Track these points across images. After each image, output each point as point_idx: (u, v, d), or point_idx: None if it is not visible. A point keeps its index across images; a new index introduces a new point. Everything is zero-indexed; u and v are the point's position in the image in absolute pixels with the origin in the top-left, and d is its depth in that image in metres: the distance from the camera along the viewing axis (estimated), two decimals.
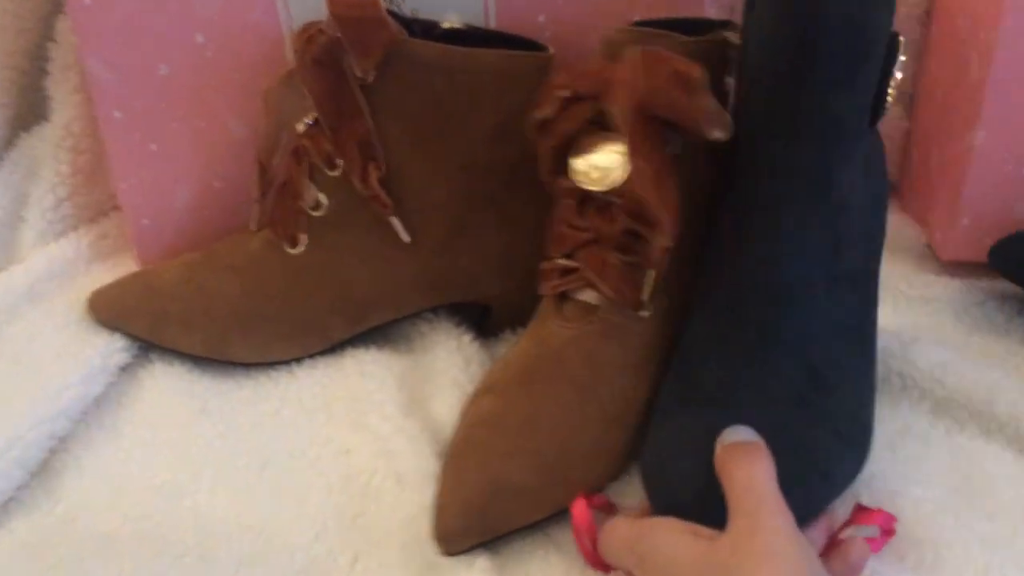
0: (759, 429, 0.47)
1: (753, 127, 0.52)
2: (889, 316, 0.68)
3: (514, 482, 0.50)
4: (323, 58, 0.59)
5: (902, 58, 0.53)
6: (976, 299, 0.68)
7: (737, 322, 0.52)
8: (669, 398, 0.53)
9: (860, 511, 0.50)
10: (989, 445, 0.57)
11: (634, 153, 0.51)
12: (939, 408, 0.59)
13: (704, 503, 0.45)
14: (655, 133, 0.51)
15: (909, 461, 0.56)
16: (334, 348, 0.65)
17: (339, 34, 0.58)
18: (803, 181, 0.51)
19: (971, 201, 0.68)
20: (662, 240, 0.52)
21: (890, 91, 0.53)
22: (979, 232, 0.68)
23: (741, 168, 0.53)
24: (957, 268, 0.71)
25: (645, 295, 0.54)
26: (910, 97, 0.78)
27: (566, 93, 0.54)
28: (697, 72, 0.50)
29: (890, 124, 0.78)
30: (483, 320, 0.68)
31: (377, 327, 0.65)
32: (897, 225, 0.76)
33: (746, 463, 0.45)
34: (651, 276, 0.53)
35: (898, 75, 0.53)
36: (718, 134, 0.50)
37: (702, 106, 0.50)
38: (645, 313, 0.55)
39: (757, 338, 0.51)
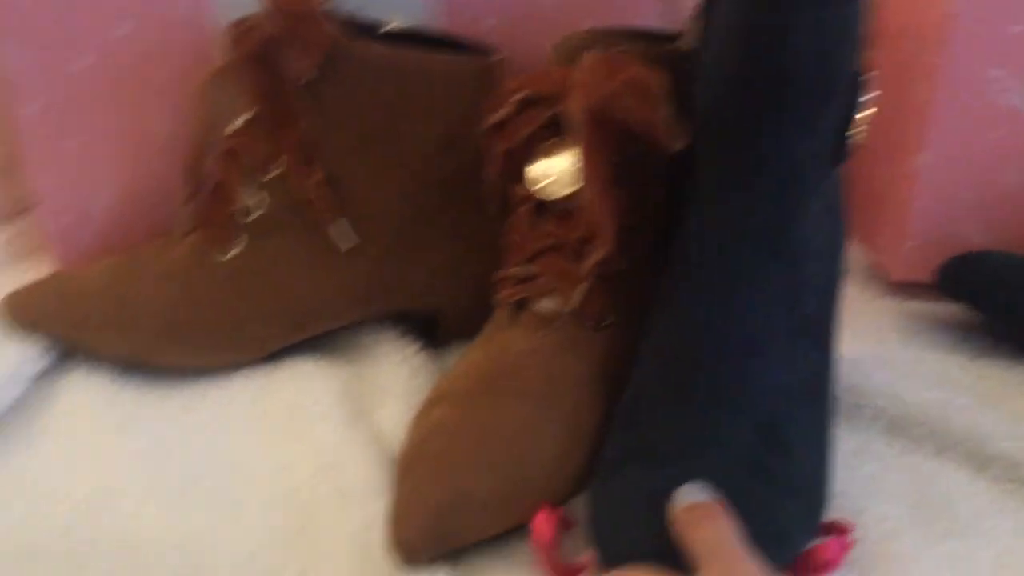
0: (713, 487, 0.45)
1: (705, 169, 0.49)
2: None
3: (475, 493, 0.47)
4: (259, 54, 0.56)
5: (863, 97, 0.50)
6: (923, 320, 0.68)
7: (689, 374, 0.48)
8: (615, 450, 0.49)
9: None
10: (945, 464, 0.56)
11: (586, 158, 0.49)
12: (895, 427, 0.58)
13: (663, 568, 0.42)
14: (608, 140, 0.50)
15: (868, 480, 0.55)
16: (271, 357, 0.62)
17: (277, 30, 0.55)
18: (759, 230, 0.48)
19: (917, 223, 0.68)
20: (599, 251, 0.50)
21: (853, 133, 0.50)
22: (925, 253, 0.68)
23: (693, 209, 0.50)
24: (903, 289, 0.71)
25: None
26: None
27: (523, 95, 0.52)
28: (656, 80, 0.48)
29: None
30: (429, 331, 0.65)
31: (317, 336, 0.62)
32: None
33: (708, 522, 0.43)
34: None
35: (860, 116, 0.50)
36: (675, 144, 0.49)
37: (660, 115, 0.48)
38: (603, 325, 0.53)
39: (710, 394, 0.48)
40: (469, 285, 0.60)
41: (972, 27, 0.63)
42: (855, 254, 0.76)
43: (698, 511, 0.43)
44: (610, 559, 0.45)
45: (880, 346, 0.65)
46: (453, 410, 0.51)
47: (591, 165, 0.49)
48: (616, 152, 0.52)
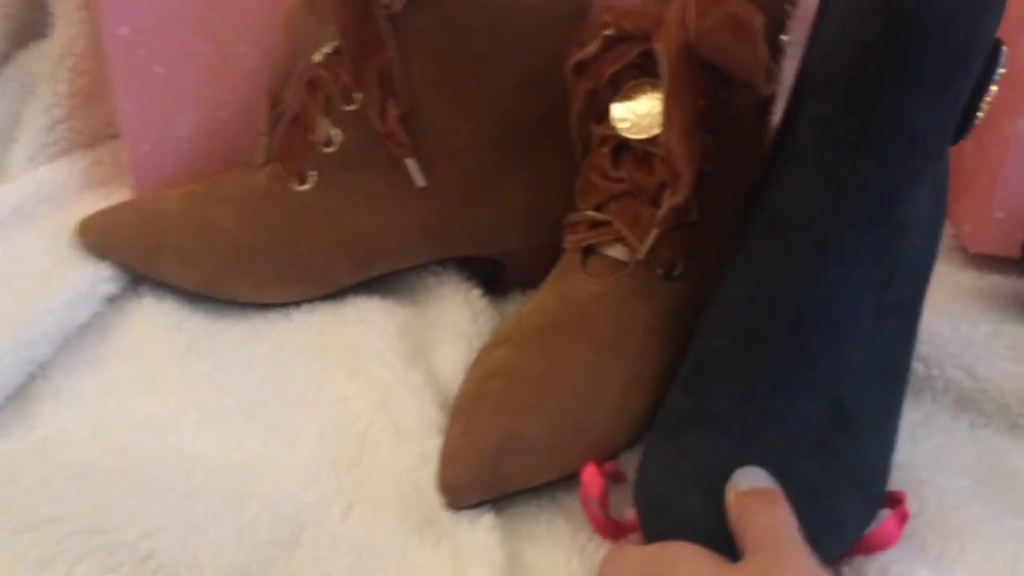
0: (774, 466, 0.42)
1: (812, 127, 0.46)
2: None
3: (528, 438, 0.47)
4: None
5: (1001, 70, 0.46)
6: (1004, 294, 0.66)
7: (765, 342, 0.45)
8: (675, 411, 0.47)
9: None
10: (1016, 440, 0.54)
11: (670, 97, 0.48)
12: (964, 400, 0.56)
13: (711, 548, 0.40)
14: (697, 81, 0.48)
15: (932, 452, 0.53)
16: (335, 295, 0.62)
17: None
18: (865, 199, 0.44)
19: (1006, 193, 0.66)
20: (675, 197, 0.49)
21: (982, 106, 0.46)
22: (1011, 226, 0.66)
23: (791, 172, 0.47)
24: (985, 262, 0.69)
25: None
26: None
27: (611, 32, 0.51)
28: (756, 18, 0.47)
29: None
30: (493, 278, 0.65)
31: (381, 277, 0.62)
32: None
33: (764, 511, 0.40)
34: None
35: (994, 89, 0.46)
36: (769, 88, 0.47)
37: (756, 56, 0.47)
38: (673, 274, 0.52)
39: (782, 367, 0.45)
40: (541, 231, 0.59)
41: None
42: None
43: (756, 497, 0.41)
44: (656, 528, 0.43)
45: (956, 317, 0.63)
46: (514, 352, 0.51)
47: (675, 107, 0.48)
48: (704, 95, 0.51)
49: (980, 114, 0.47)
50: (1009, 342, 0.60)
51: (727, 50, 0.47)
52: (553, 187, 0.59)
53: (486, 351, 0.53)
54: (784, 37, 0.53)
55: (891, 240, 0.46)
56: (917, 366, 0.58)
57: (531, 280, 0.61)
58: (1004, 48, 0.46)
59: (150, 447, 0.51)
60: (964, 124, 0.47)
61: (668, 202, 0.49)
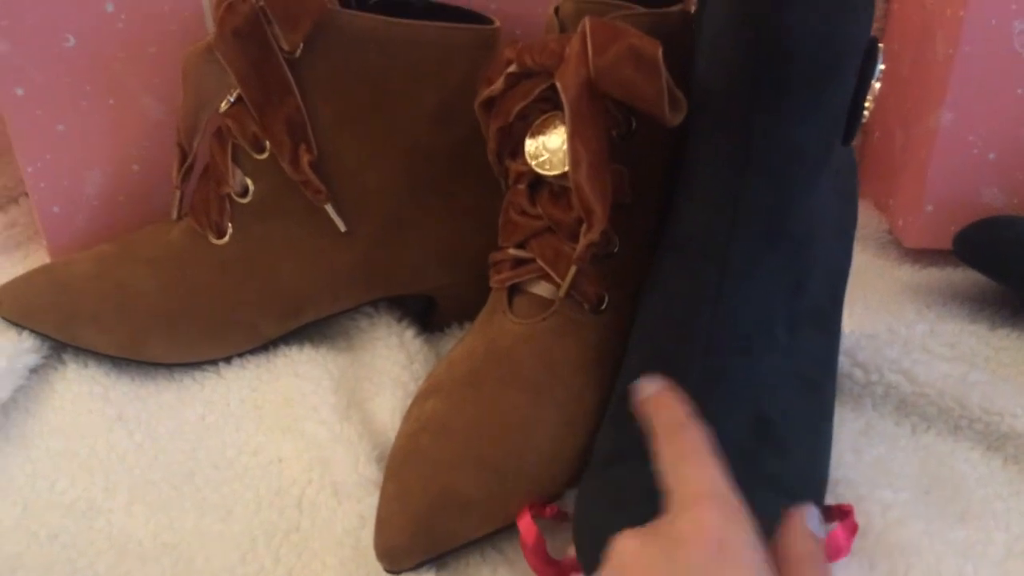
0: None
1: (698, 150, 0.46)
2: (849, 307, 0.65)
3: (462, 494, 0.46)
4: (245, 30, 0.54)
5: (881, 66, 0.46)
6: (939, 289, 0.66)
7: (679, 368, 0.45)
8: (602, 446, 0.47)
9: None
10: (959, 443, 0.54)
11: (574, 134, 0.46)
12: (905, 405, 0.56)
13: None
14: (602, 115, 0.47)
15: (875, 463, 0.53)
16: (265, 346, 0.60)
17: (263, 3, 0.53)
18: (759, 216, 0.45)
19: (936, 186, 0.65)
20: (590, 233, 0.48)
21: (867, 104, 0.46)
22: (943, 219, 0.65)
23: (687, 196, 0.47)
24: (919, 256, 0.68)
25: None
26: None
27: (514, 68, 0.50)
28: (654, 49, 0.45)
29: None
30: (427, 313, 0.64)
31: (312, 323, 0.61)
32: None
33: (668, 408, 0.42)
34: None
35: (876, 85, 0.46)
36: (676, 118, 0.46)
37: (658, 87, 0.46)
38: (601, 309, 0.51)
39: (701, 389, 0.44)
40: (470, 264, 0.58)
41: None
42: (869, 220, 0.73)
43: (662, 399, 0.42)
44: (590, 559, 0.42)
45: (893, 318, 0.63)
46: (443, 403, 0.49)
47: (581, 144, 0.47)
48: (616, 125, 0.50)
49: (866, 113, 0.47)
50: (947, 340, 0.60)
51: (628, 83, 0.46)
52: (474, 219, 0.58)
53: (417, 402, 0.51)
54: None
55: (793, 251, 0.46)
56: (856, 372, 0.57)
57: (466, 312, 0.60)
58: (881, 46, 0.46)
59: (79, 533, 0.49)
60: (850, 125, 0.47)
61: (584, 239, 0.48)
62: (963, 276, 0.66)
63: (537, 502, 0.47)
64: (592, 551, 0.42)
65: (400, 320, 0.62)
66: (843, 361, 0.57)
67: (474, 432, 0.48)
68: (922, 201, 0.66)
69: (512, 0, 0.63)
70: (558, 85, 0.47)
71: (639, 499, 0.42)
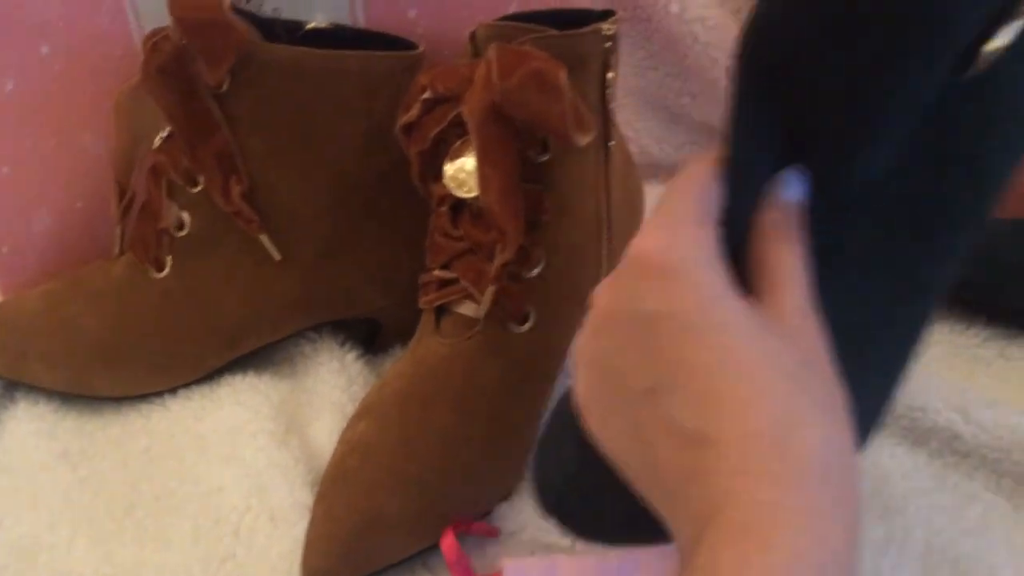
0: None
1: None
2: None
3: (387, 514, 0.47)
4: (170, 67, 0.55)
5: None
6: None
7: None
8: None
9: None
10: (884, 438, 0.55)
11: (482, 159, 0.47)
12: None
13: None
14: (510, 138, 0.48)
15: None
16: (211, 376, 0.61)
17: (185, 40, 0.54)
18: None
19: None
20: (504, 253, 0.49)
21: None
22: None
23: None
24: None
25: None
26: None
27: (428, 94, 0.51)
28: (558, 72, 0.46)
29: None
30: (372, 336, 0.65)
31: (257, 350, 0.62)
32: None
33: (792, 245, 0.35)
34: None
35: None
36: (581, 139, 0.47)
37: (563, 109, 0.46)
38: (525, 327, 0.52)
39: None
40: (408, 286, 0.59)
41: None
42: None
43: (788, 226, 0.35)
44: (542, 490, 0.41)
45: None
46: (372, 425, 0.50)
47: (489, 168, 0.48)
48: (532, 146, 0.51)
49: None
50: None
51: (533, 106, 0.47)
52: (409, 241, 0.59)
53: (350, 425, 0.52)
54: (610, 75, 0.53)
55: None
56: None
57: (409, 333, 0.61)
58: None
59: (22, 571, 0.50)
60: None
61: (498, 259, 0.49)
62: None
63: (464, 519, 0.48)
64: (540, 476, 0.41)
65: (342, 344, 0.63)
66: None
67: (400, 452, 0.48)
68: None
69: (439, 23, 0.63)
70: (464, 110, 0.48)
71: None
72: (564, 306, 0.54)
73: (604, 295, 0.36)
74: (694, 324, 0.32)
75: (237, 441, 0.56)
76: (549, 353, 0.53)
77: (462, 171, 0.51)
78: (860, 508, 0.31)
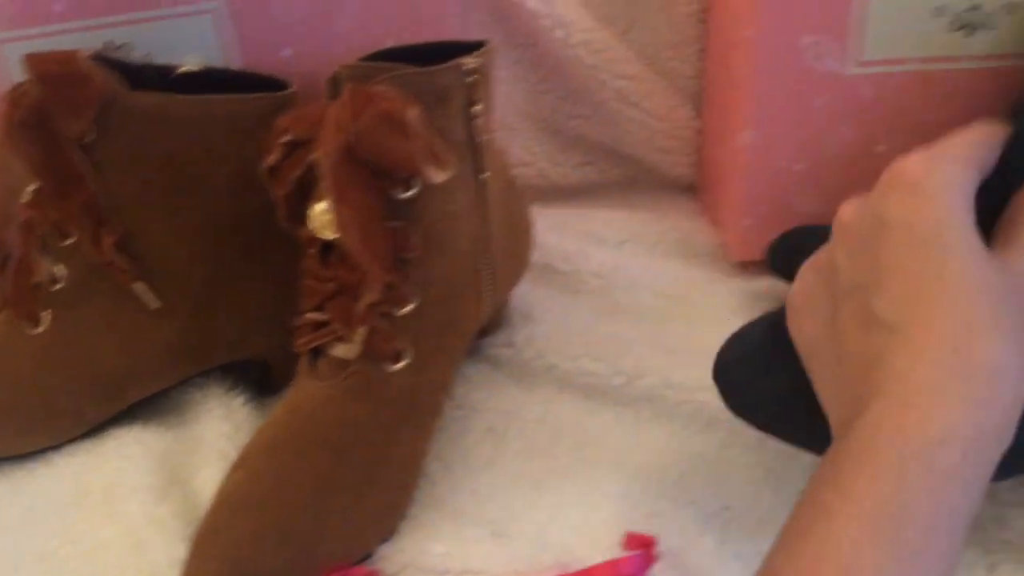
0: None
1: None
2: (675, 321, 0.66)
3: (260, 568, 0.46)
4: (31, 120, 0.54)
5: None
6: (760, 302, 0.67)
7: None
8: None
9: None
10: None
11: (337, 201, 0.47)
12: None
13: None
14: (366, 177, 0.48)
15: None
16: (96, 429, 0.60)
17: (44, 94, 0.53)
18: None
19: (750, 201, 0.67)
20: (370, 294, 0.48)
21: None
22: (763, 231, 0.67)
23: None
24: (749, 268, 0.70)
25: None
26: (698, 97, 0.77)
27: (288, 137, 0.51)
28: (407, 111, 0.46)
29: (682, 124, 0.76)
30: (264, 377, 0.64)
31: (144, 400, 0.61)
32: (695, 228, 0.75)
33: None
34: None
35: None
36: (437, 176, 0.47)
37: (416, 149, 0.46)
38: (400, 365, 0.52)
39: None
40: (287, 326, 0.59)
41: None
42: (705, 235, 0.74)
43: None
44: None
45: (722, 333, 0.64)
46: (245, 475, 0.49)
47: (346, 210, 0.47)
48: (389, 186, 0.50)
49: None
50: None
51: (384, 147, 0.47)
52: (291, 281, 0.58)
53: (227, 475, 0.51)
54: (476, 107, 0.53)
55: None
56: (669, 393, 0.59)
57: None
58: None
59: None
60: None
61: (364, 299, 0.49)
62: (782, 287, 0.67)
63: (341, 565, 0.47)
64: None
65: (231, 389, 0.62)
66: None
67: (272, 502, 0.48)
68: (740, 215, 0.67)
69: (314, 62, 0.63)
70: (316, 154, 0.47)
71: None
72: (441, 341, 0.54)
73: (849, 208, 0.41)
74: (926, 238, 0.37)
75: (118, 496, 0.55)
76: (428, 389, 0.53)
77: (325, 213, 0.50)
78: (1014, 419, 0.36)
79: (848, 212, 0.41)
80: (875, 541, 0.32)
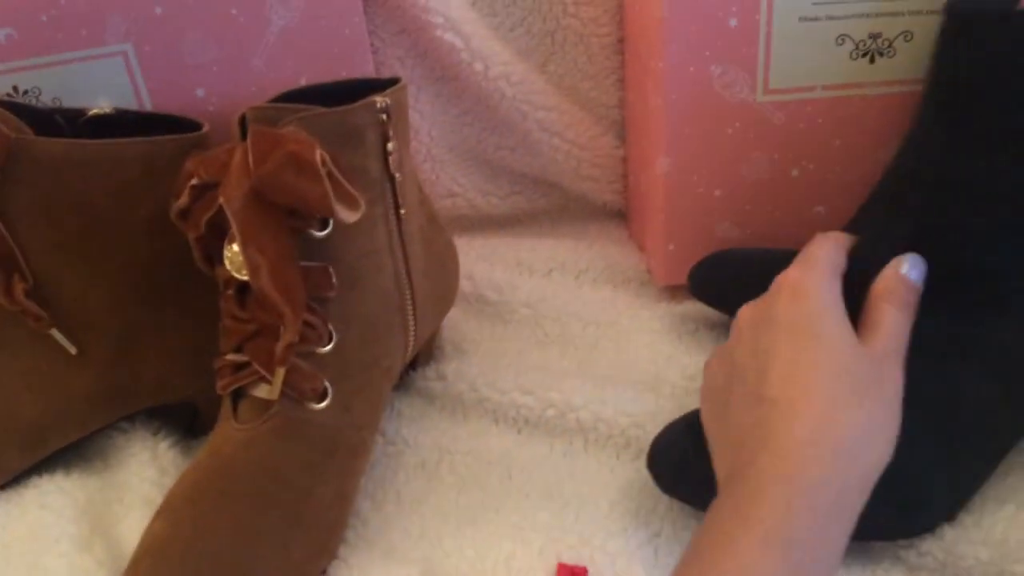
0: None
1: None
2: (603, 344, 0.67)
3: None
4: None
5: None
6: (687, 326, 0.68)
7: None
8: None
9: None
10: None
11: (246, 244, 0.47)
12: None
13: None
14: (276, 219, 0.48)
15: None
16: (18, 479, 0.59)
17: None
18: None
19: (672, 226, 0.68)
20: (287, 336, 0.48)
21: None
22: (686, 256, 0.67)
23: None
24: (676, 293, 0.71)
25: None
26: (621, 125, 0.78)
27: (196, 181, 0.50)
28: (313, 153, 0.46)
29: (606, 152, 0.77)
30: (191, 420, 0.63)
31: (67, 447, 0.60)
32: (622, 254, 0.76)
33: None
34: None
35: None
36: (348, 217, 0.47)
37: (320, 190, 0.46)
38: (323, 404, 0.51)
39: None
40: (211, 368, 0.58)
41: (686, 27, 0.62)
42: (632, 261, 0.75)
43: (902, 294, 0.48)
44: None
45: (649, 357, 0.65)
46: (165, 524, 0.49)
47: (255, 253, 0.47)
48: (303, 226, 0.50)
49: None
50: (690, 373, 0.62)
51: (291, 189, 0.46)
52: (212, 321, 0.58)
53: (149, 524, 0.50)
54: (390, 144, 0.53)
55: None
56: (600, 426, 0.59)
57: None
58: None
59: None
60: None
61: (282, 340, 0.49)
62: (706, 312, 0.68)
63: None
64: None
65: (156, 433, 0.61)
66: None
67: (191, 553, 0.47)
68: (664, 241, 0.68)
69: (229, 101, 0.63)
70: (221, 198, 0.47)
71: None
72: (365, 379, 0.54)
73: (746, 311, 0.50)
74: (804, 329, 0.46)
75: (39, 548, 0.54)
76: (354, 427, 0.53)
77: (239, 255, 0.50)
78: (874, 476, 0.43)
79: (744, 314, 0.50)
80: (770, 556, 0.39)
